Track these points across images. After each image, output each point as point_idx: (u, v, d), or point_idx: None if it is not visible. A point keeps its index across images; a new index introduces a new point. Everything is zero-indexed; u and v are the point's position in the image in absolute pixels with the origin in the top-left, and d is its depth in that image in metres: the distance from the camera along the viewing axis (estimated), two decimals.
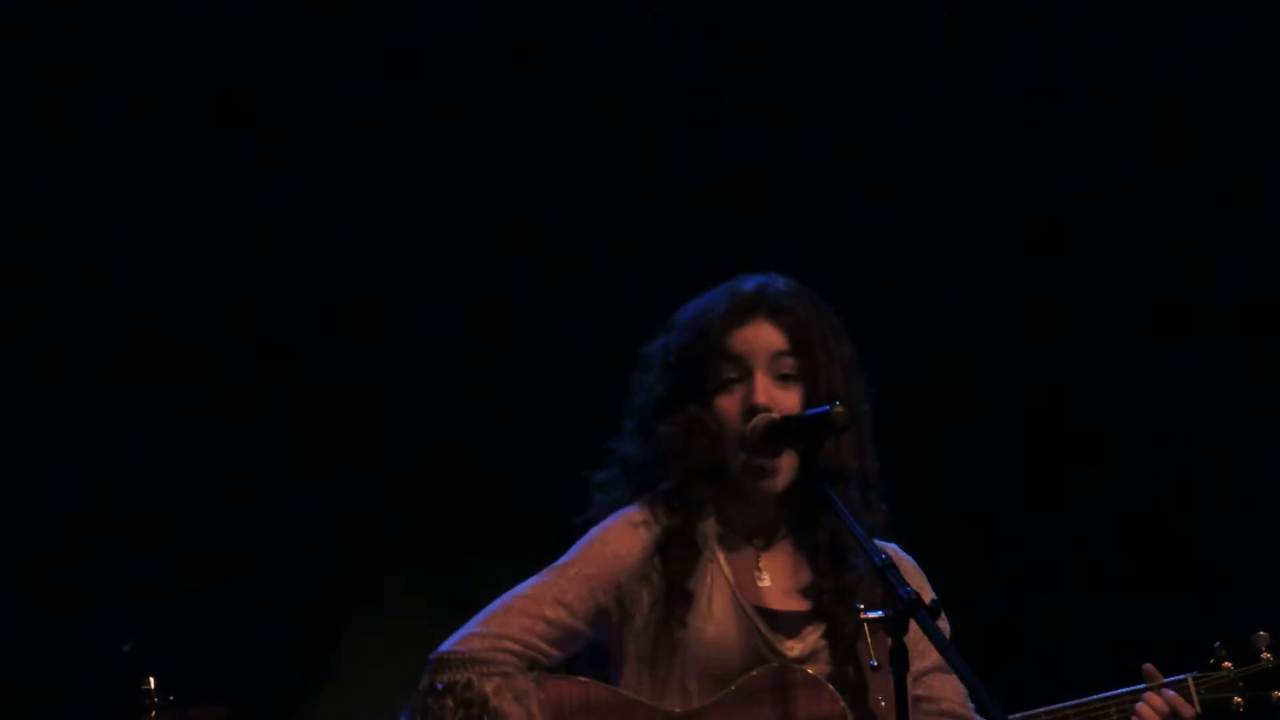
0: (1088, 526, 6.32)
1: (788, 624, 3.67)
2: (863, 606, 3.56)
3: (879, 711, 3.60)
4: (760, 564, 3.72)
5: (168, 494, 6.32)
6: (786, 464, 3.64)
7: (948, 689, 3.69)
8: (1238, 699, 3.61)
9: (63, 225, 6.07)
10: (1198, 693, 3.60)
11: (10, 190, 6.04)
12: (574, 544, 3.71)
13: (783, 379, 3.66)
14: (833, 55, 6.25)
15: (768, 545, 3.74)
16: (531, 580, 3.67)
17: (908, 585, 3.28)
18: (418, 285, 6.50)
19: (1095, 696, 3.62)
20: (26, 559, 6.11)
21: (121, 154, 6.09)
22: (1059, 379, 6.37)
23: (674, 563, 3.65)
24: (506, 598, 3.66)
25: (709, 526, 3.71)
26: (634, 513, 3.71)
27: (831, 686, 3.59)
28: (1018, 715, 3.57)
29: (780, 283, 3.74)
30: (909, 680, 3.31)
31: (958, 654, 3.26)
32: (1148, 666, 3.63)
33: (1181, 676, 3.62)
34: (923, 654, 3.44)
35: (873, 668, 3.58)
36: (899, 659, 3.26)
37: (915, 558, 3.76)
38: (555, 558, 3.72)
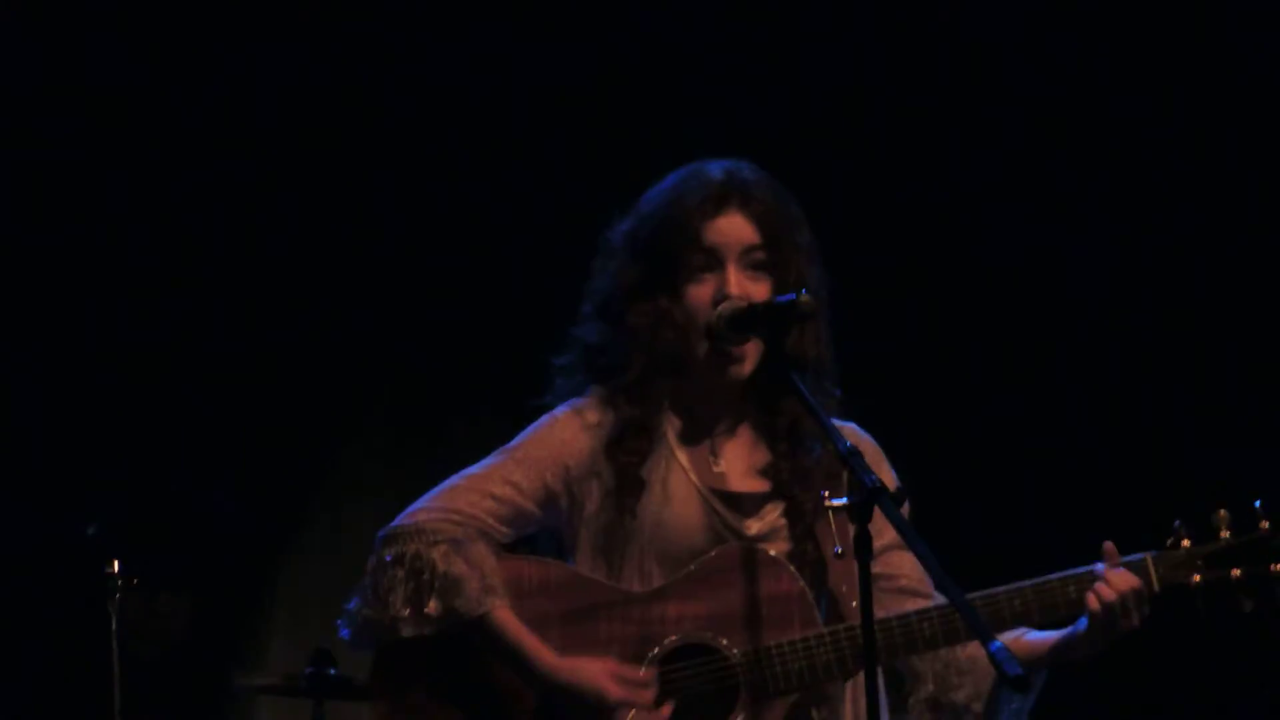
0: (1048, 406, 6.34)
1: (746, 504, 3.69)
2: (827, 494, 3.57)
3: (840, 596, 3.62)
4: (717, 450, 3.73)
5: (132, 377, 6.33)
6: (752, 351, 3.65)
7: (905, 565, 3.71)
8: (1196, 577, 3.62)
9: None
10: (1156, 571, 3.62)
11: None
12: (524, 429, 3.73)
13: (754, 268, 3.66)
14: None
15: (727, 433, 3.75)
16: (480, 463, 3.70)
17: (872, 473, 3.30)
18: (378, 175, 6.50)
19: (1054, 575, 3.63)
20: None
21: None
22: (1020, 252, 6.37)
23: (628, 453, 3.66)
24: (454, 478, 3.69)
25: (666, 417, 3.72)
26: (583, 404, 3.72)
27: (791, 566, 3.61)
28: (977, 594, 3.59)
29: (747, 170, 3.72)
30: None
31: (921, 540, 3.29)
32: (1107, 545, 3.63)
33: (1140, 555, 3.64)
34: (880, 532, 3.46)
35: (837, 554, 3.60)
36: (863, 546, 3.27)
37: (871, 436, 3.78)
38: None
